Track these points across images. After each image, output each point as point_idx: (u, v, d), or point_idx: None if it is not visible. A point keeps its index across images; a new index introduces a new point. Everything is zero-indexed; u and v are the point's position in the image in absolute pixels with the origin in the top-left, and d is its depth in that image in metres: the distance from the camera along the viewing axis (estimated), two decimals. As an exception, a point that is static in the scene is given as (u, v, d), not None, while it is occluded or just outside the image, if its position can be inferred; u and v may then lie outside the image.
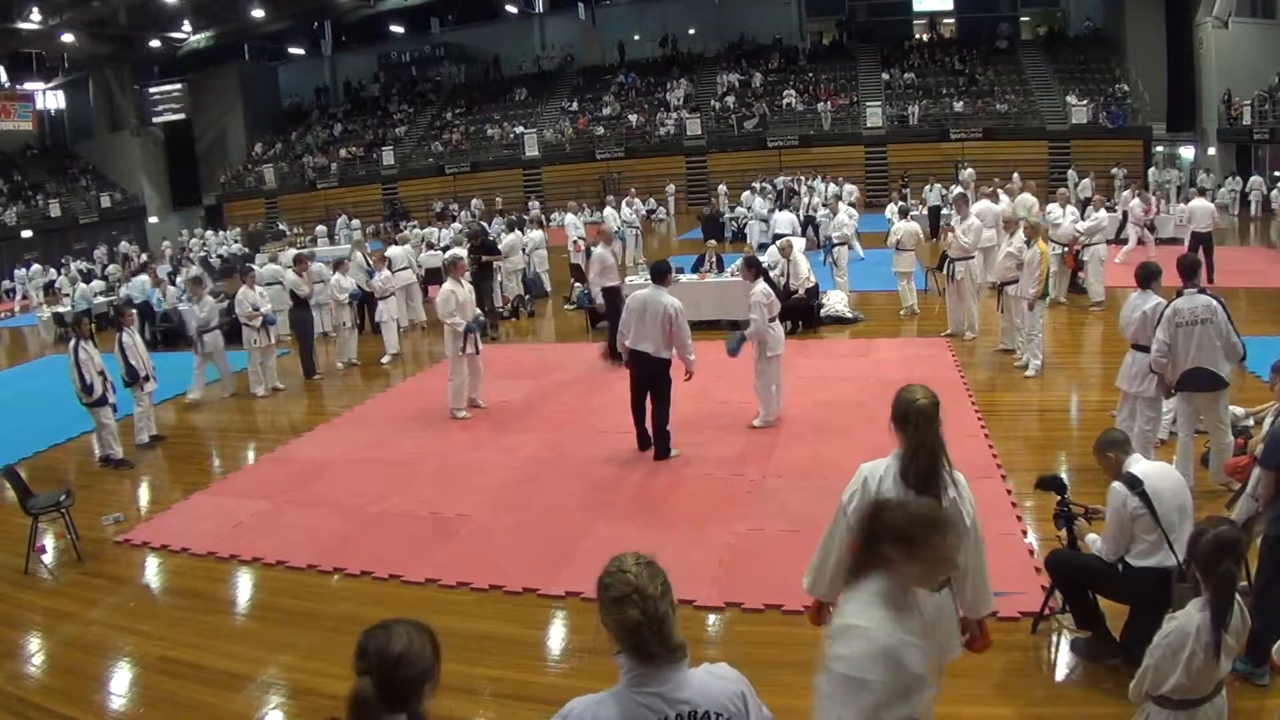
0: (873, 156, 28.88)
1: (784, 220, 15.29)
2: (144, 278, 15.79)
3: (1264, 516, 4.06)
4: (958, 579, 3.06)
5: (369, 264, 13.36)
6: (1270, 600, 3.75)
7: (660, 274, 7.27)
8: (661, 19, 36.54)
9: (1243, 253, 16.80)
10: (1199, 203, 13.49)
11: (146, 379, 8.89)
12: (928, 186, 21.23)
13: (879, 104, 29.33)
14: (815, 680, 2.19)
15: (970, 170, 24.31)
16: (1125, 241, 15.23)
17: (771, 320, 7.65)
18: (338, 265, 12.43)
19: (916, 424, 2.97)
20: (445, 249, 14.67)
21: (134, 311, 9.53)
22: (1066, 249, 11.67)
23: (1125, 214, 16.31)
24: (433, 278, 13.68)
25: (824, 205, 17.72)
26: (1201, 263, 5.93)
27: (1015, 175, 21.42)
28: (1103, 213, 12.21)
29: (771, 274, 11.51)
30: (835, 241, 13.30)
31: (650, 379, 7.14)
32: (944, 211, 18.68)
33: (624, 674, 1.99)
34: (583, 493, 6.77)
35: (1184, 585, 3.26)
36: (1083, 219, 12.11)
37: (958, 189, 17.86)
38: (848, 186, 22.85)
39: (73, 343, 8.35)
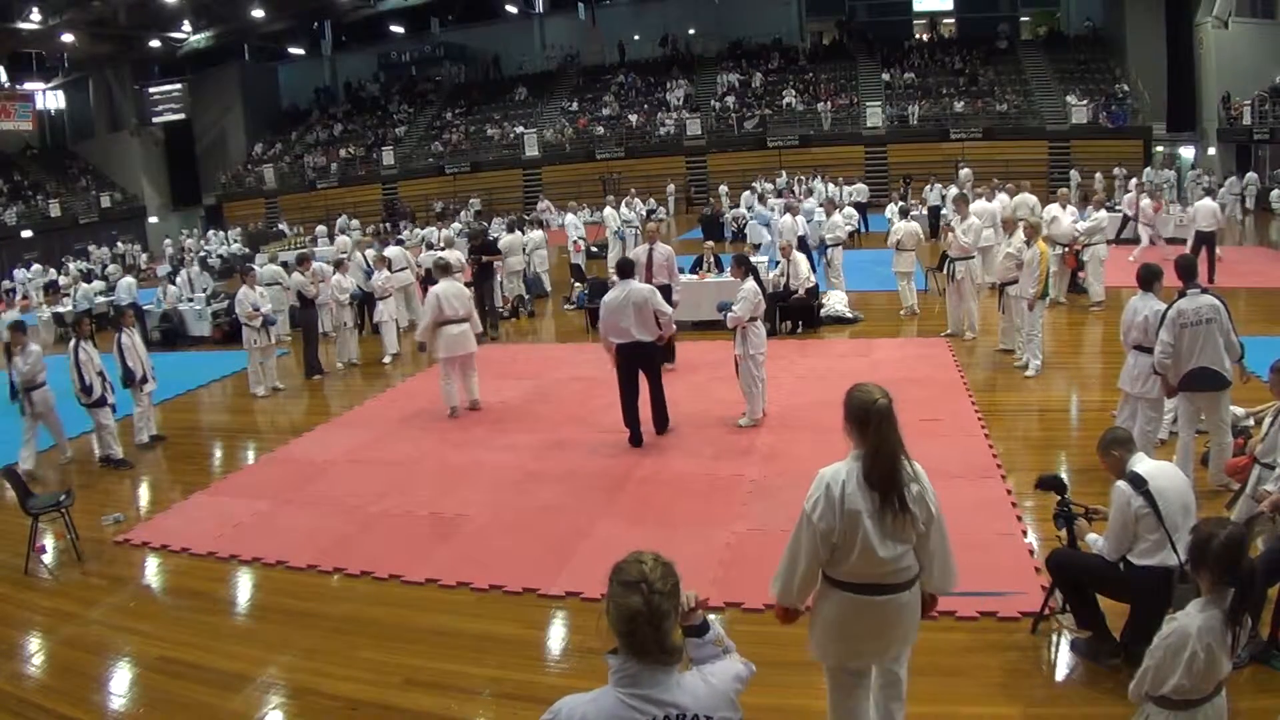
0: (873, 156, 28.89)
1: (788, 226, 15.28)
2: (129, 279, 15.85)
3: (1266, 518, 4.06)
4: (926, 563, 3.08)
5: (369, 264, 13.37)
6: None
7: (626, 270, 7.74)
8: (661, 19, 36.54)
9: (1242, 253, 16.79)
10: (1203, 201, 13.51)
11: (145, 380, 8.89)
12: (928, 186, 21.24)
13: (879, 104, 29.34)
14: None
15: (967, 170, 24.30)
16: (1128, 242, 15.26)
17: (753, 320, 7.70)
18: (338, 265, 12.43)
19: (878, 425, 2.94)
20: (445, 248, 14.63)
21: (133, 312, 9.50)
22: (1066, 249, 11.67)
23: (1126, 215, 16.32)
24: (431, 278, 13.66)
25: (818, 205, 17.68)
26: (1197, 262, 5.93)
27: (1101, 174, 21.49)
28: (1103, 213, 12.21)
29: (772, 274, 11.57)
30: (830, 243, 13.27)
31: (640, 361, 7.53)
32: (944, 211, 18.68)
33: (613, 674, 2.00)
34: (583, 493, 6.77)
35: (1185, 585, 3.27)
36: (1082, 219, 12.11)
37: (954, 189, 17.85)
38: (859, 186, 22.81)
39: (73, 343, 8.36)
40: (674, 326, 7.73)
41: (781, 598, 3.20)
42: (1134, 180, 20.19)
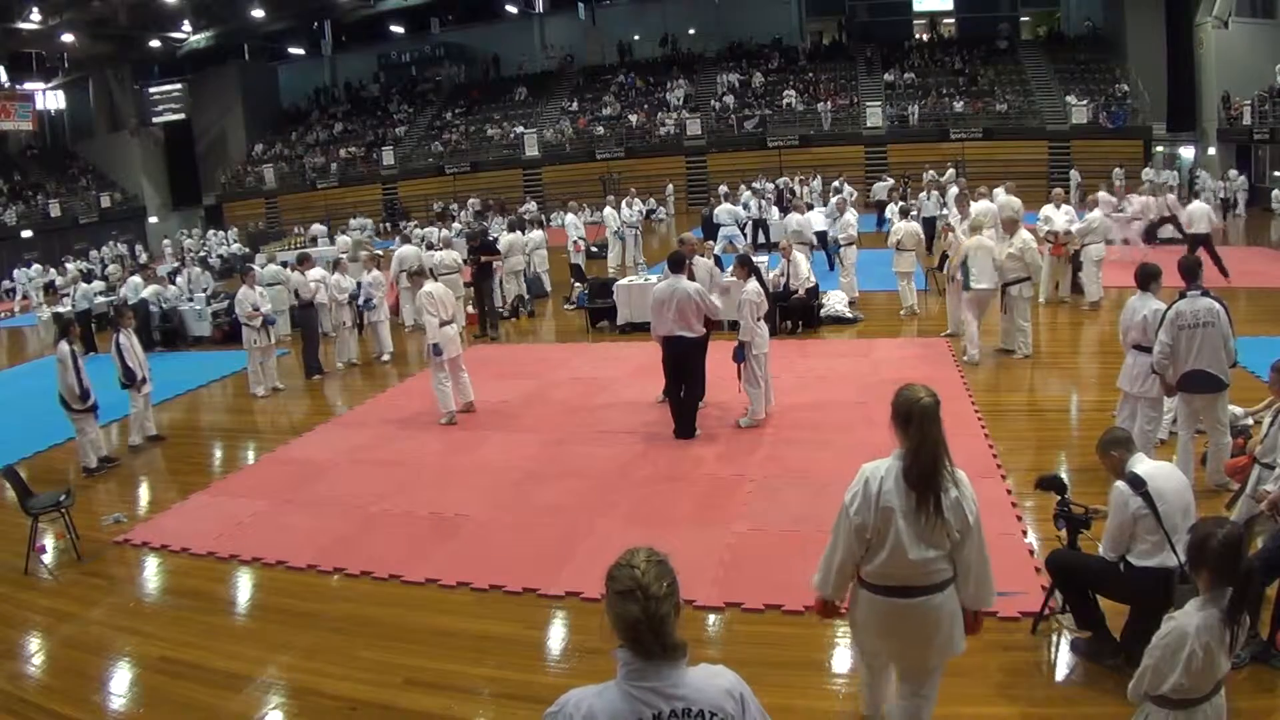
0: (873, 156, 28.87)
1: (793, 222, 15.27)
2: (137, 278, 15.77)
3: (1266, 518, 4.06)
4: (962, 573, 3.07)
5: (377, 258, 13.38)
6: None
7: (677, 263, 7.66)
8: (661, 19, 36.55)
9: (1243, 252, 16.78)
10: (1196, 204, 13.55)
11: (143, 380, 8.86)
12: (924, 194, 21.04)
13: (879, 104, 29.33)
14: None
15: (951, 170, 24.33)
16: (1165, 242, 15.24)
17: (757, 320, 7.74)
18: (336, 265, 12.43)
19: (920, 423, 2.94)
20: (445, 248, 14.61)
21: (131, 312, 9.42)
22: (1051, 242, 11.75)
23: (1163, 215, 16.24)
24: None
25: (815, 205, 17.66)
26: (1201, 263, 5.91)
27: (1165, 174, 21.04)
28: (1098, 213, 12.20)
29: (773, 274, 11.57)
30: (843, 243, 13.26)
31: (685, 358, 7.56)
32: (942, 211, 18.57)
33: (621, 667, 2.01)
34: (583, 493, 6.77)
35: (1185, 586, 3.26)
36: (1079, 219, 12.15)
37: (954, 189, 17.78)
38: (847, 186, 22.71)
39: (69, 346, 8.12)
40: (721, 318, 7.84)
41: (819, 587, 3.22)
42: (1149, 180, 20.16)
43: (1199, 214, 13.10)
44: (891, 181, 23.20)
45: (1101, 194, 14.77)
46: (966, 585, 3.10)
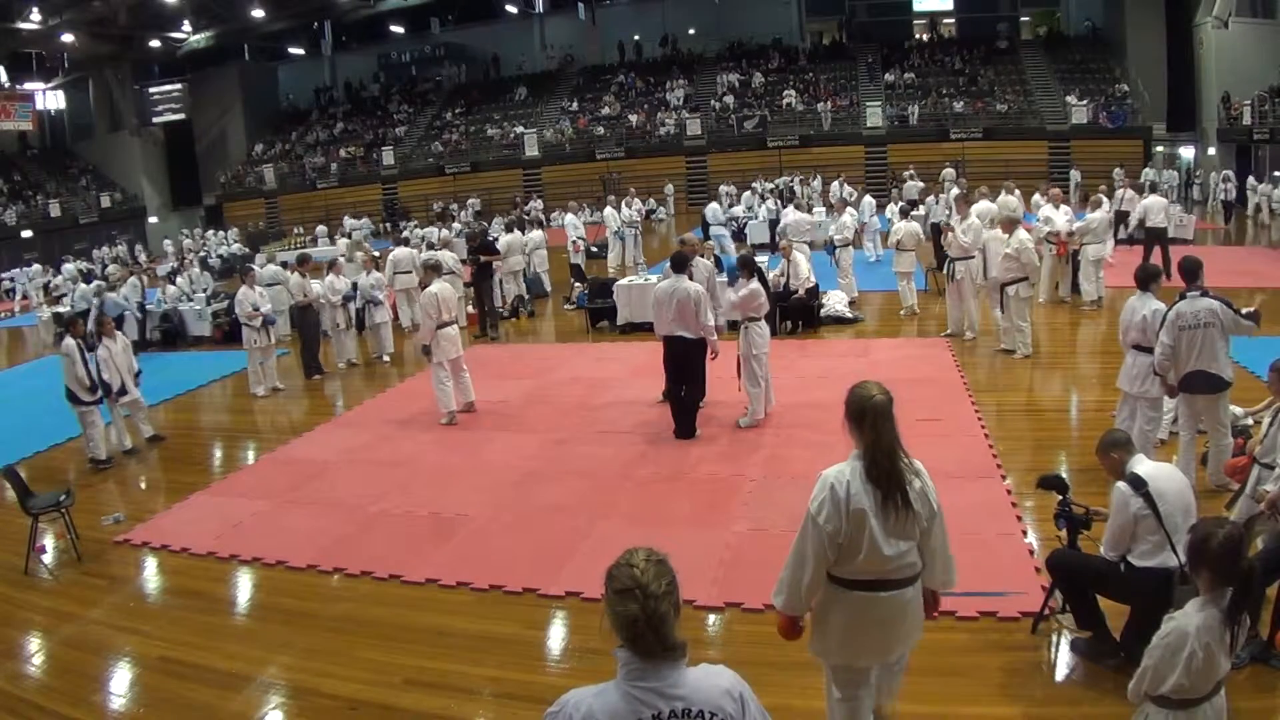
0: (873, 156, 28.89)
1: (794, 220, 15.26)
2: (135, 280, 15.70)
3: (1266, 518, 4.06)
4: (928, 560, 3.10)
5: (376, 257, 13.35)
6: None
7: (680, 264, 7.65)
8: (661, 19, 36.56)
9: (1243, 252, 16.81)
10: (1152, 198, 13.63)
11: (123, 391, 8.69)
12: (931, 197, 20.98)
13: (879, 104, 29.35)
14: None
15: (950, 170, 24.33)
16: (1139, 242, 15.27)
17: (755, 320, 7.75)
18: (331, 265, 12.41)
19: (874, 421, 2.95)
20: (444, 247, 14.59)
21: (112, 321, 9.28)
22: (1054, 243, 11.76)
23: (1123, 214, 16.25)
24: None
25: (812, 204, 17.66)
26: (1202, 263, 5.89)
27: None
28: (1099, 213, 12.20)
29: (773, 274, 11.57)
30: (838, 244, 13.26)
31: (685, 360, 7.54)
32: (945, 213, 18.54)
33: (621, 667, 2.01)
34: (583, 493, 6.77)
35: (1186, 587, 3.26)
36: (1079, 219, 12.18)
37: (955, 190, 17.78)
38: (833, 185, 22.69)
39: (73, 342, 8.24)
40: (714, 336, 7.60)
41: (787, 607, 3.12)
42: (1150, 179, 20.12)
43: (1155, 208, 13.16)
44: (924, 185, 23.15)
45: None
46: (934, 570, 3.12)
